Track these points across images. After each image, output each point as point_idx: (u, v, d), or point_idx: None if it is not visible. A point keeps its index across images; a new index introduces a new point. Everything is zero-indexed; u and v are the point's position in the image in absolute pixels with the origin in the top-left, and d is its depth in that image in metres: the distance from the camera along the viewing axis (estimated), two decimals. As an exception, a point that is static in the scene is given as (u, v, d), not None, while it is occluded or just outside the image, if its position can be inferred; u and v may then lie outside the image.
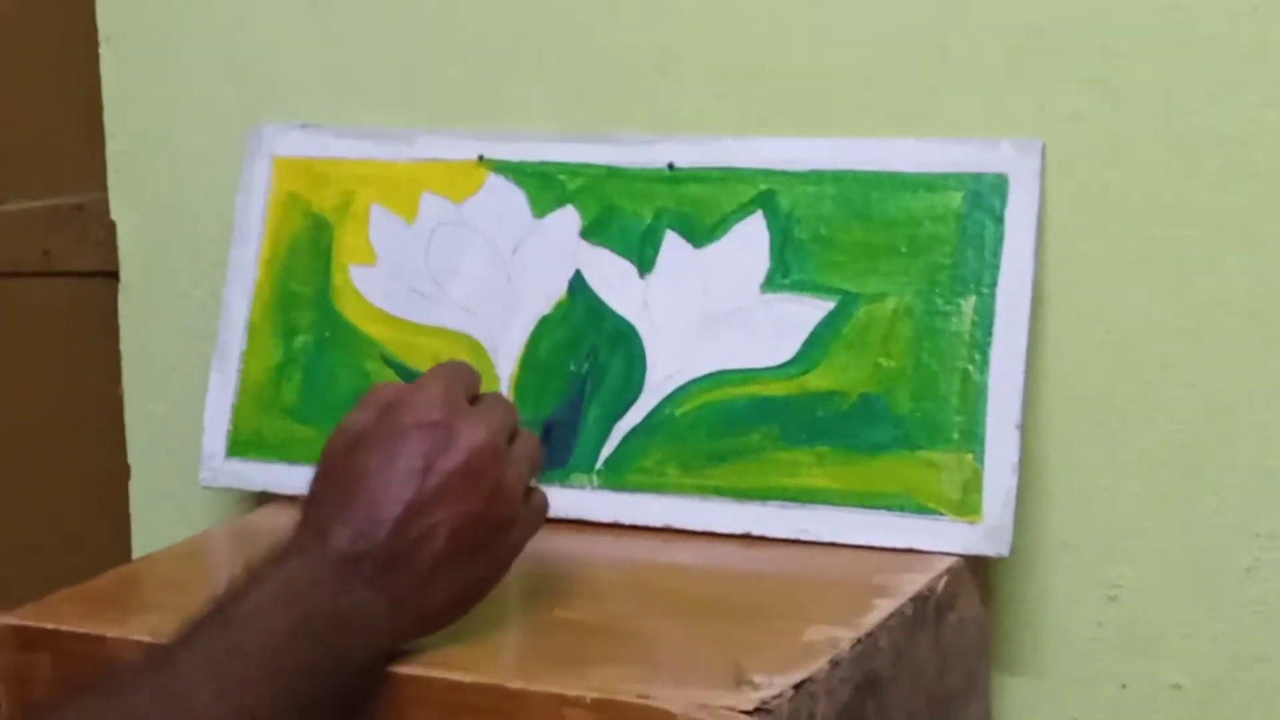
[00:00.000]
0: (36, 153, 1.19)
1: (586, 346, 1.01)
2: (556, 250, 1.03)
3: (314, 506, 0.80)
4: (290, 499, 1.05)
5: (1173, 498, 0.96)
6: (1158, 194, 0.94)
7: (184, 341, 1.17)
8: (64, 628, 0.85)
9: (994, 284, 0.95)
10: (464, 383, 0.83)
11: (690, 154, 1.02)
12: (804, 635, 0.80)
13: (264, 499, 1.08)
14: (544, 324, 1.03)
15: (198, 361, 1.14)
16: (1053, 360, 0.97)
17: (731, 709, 0.72)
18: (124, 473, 1.21)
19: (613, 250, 1.02)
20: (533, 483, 0.84)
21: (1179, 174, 0.94)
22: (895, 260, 0.97)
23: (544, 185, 1.04)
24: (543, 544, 0.85)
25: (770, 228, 0.99)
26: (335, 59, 1.12)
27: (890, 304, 0.96)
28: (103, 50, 1.18)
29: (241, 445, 1.08)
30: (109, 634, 0.84)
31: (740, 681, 0.75)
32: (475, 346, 1.03)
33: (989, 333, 0.94)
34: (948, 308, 0.95)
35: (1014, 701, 0.99)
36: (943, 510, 0.93)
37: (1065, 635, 0.98)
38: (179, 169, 1.17)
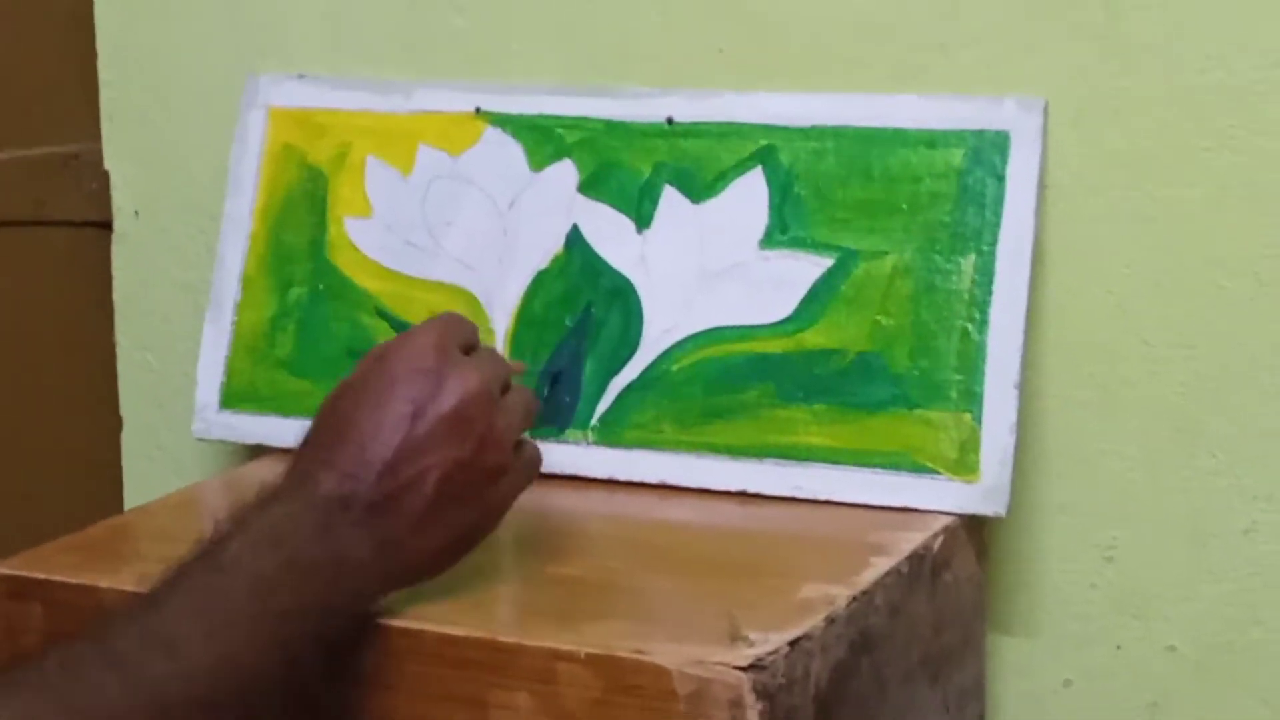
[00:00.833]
0: (30, 102, 1.19)
1: (583, 301, 1.01)
2: (553, 204, 1.03)
3: (302, 453, 0.80)
4: (284, 452, 1.05)
5: (1170, 459, 0.96)
6: (1161, 153, 0.94)
7: (177, 293, 1.17)
8: (56, 577, 0.85)
9: (994, 242, 0.94)
10: (457, 333, 0.82)
11: (690, 109, 1.01)
12: (799, 593, 0.80)
13: (257, 451, 1.08)
14: (540, 278, 1.02)
15: (191, 313, 1.14)
16: (1052, 320, 0.97)
17: (726, 664, 0.72)
18: (116, 423, 1.20)
19: (610, 205, 1.02)
20: (526, 436, 0.83)
21: (1183, 133, 0.93)
22: (895, 217, 0.96)
23: (542, 139, 1.04)
24: (538, 500, 0.85)
25: (769, 183, 0.99)
26: (333, 8, 1.11)
27: (889, 262, 0.96)
28: (97, -1, 1.17)
29: (235, 397, 1.07)
30: (101, 584, 0.84)
31: (735, 638, 0.74)
32: (471, 300, 1.03)
33: (989, 291, 0.94)
34: (947, 266, 0.95)
35: (1009, 661, 0.99)
36: (940, 469, 0.93)
37: (1061, 596, 0.98)
38: (174, 119, 1.16)
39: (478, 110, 1.05)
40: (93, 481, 1.20)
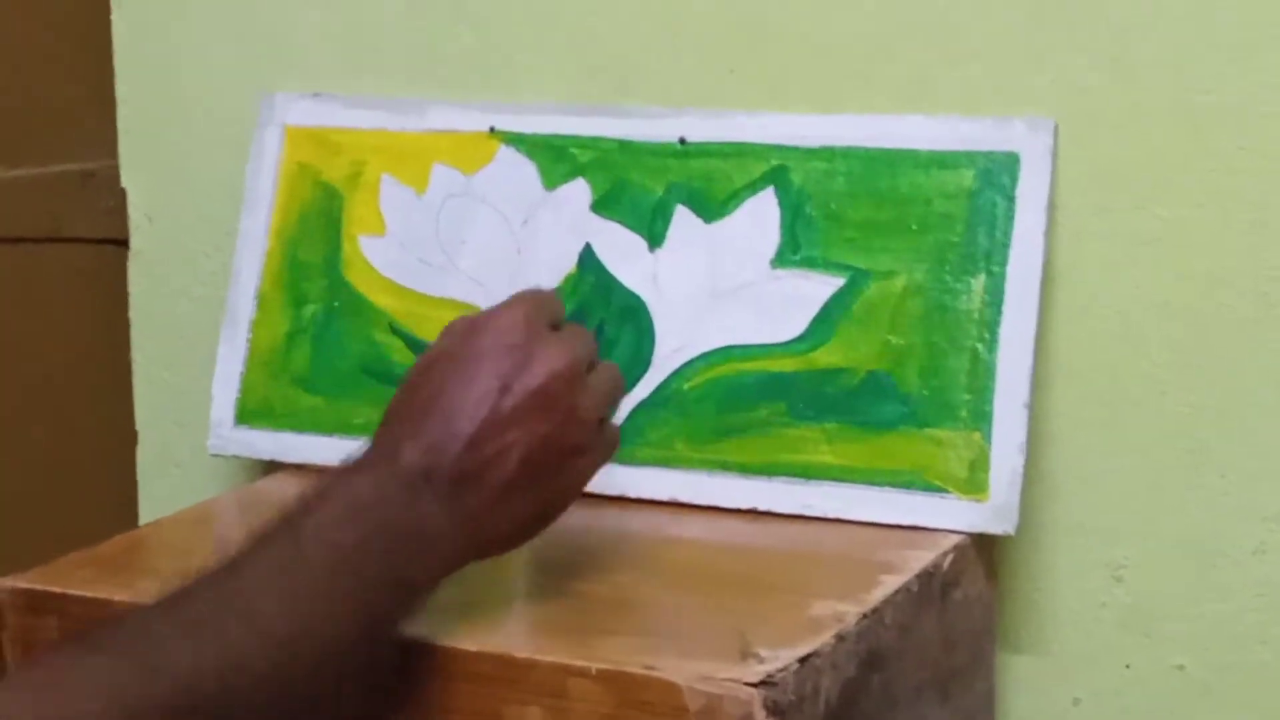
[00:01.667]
0: (48, 120, 1.19)
1: (595, 320, 1.01)
2: (567, 223, 1.03)
3: (388, 423, 0.79)
4: (298, 468, 1.06)
5: (1179, 479, 0.96)
6: (1169, 173, 0.94)
7: (193, 309, 1.18)
8: (71, 591, 0.85)
9: (1004, 263, 0.95)
10: (546, 309, 0.82)
11: (702, 129, 1.02)
12: (810, 610, 0.81)
13: (271, 467, 1.08)
14: (553, 297, 1.03)
15: (207, 330, 1.14)
16: (1062, 340, 0.97)
17: (736, 681, 0.73)
18: (132, 439, 1.21)
19: (623, 224, 1.02)
20: (608, 413, 0.83)
21: (1191, 154, 0.94)
22: (905, 238, 0.97)
23: (555, 158, 1.04)
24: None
25: (781, 203, 0.99)
26: (348, 27, 1.12)
27: (900, 281, 0.96)
28: (114, 17, 1.18)
29: (249, 413, 1.08)
30: (116, 597, 0.84)
31: (745, 654, 0.75)
32: (484, 318, 1.03)
33: (998, 311, 0.94)
34: (957, 286, 0.95)
35: (1018, 679, 1.00)
36: (949, 488, 0.93)
37: (1070, 614, 0.99)
38: (190, 137, 1.17)
39: (492, 129, 1.06)
40: (108, 496, 1.21)
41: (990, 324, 0.94)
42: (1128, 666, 0.98)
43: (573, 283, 1.02)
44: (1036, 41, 0.96)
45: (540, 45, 1.07)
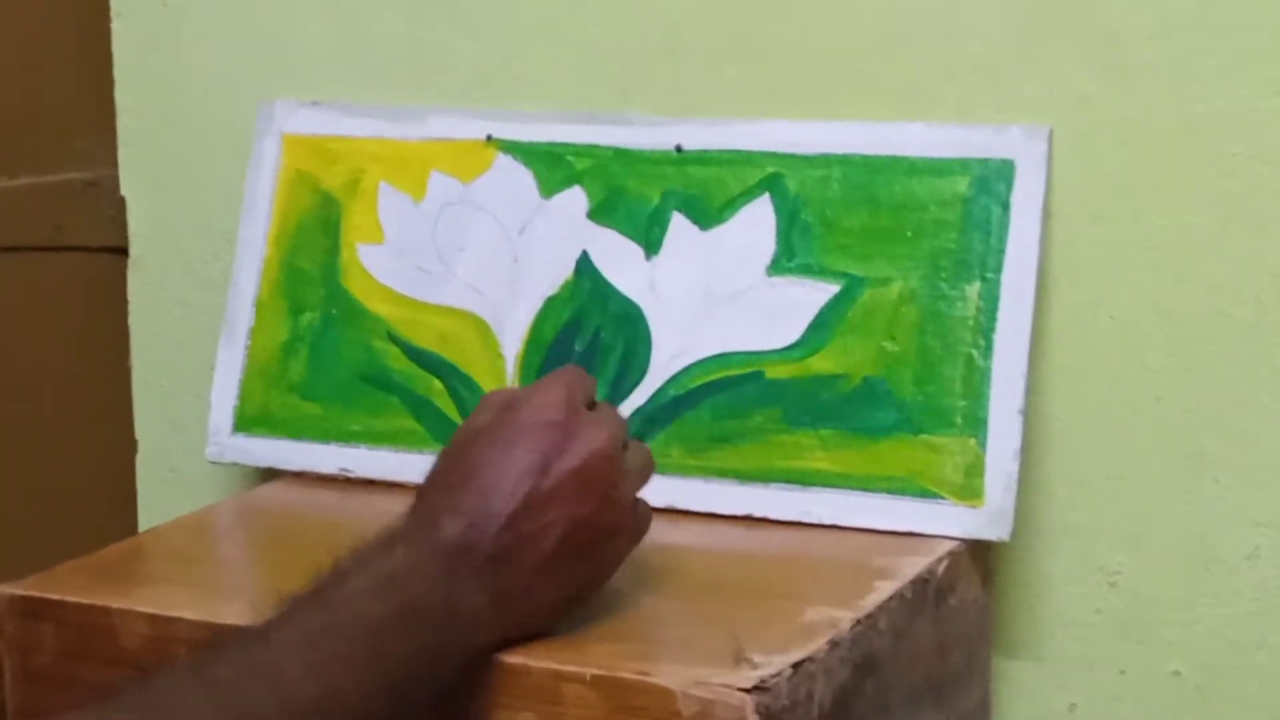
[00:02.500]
0: (49, 129, 1.20)
1: (592, 327, 1.02)
2: (564, 231, 1.04)
3: (427, 495, 0.79)
4: (296, 476, 1.06)
5: (1174, 484, 0.96)
6: (1165, 180, 0.95)
7: (192, 317, 1.18)
8: (69, 598, 0.86)
9: (999, 269, 0.95)
10: (583, 388, 0.82)
11: (698, 136, 1.02)
12: (804, 616, 0.81)
13: (270, 475, 1.08)
14: (550, 304, 1.03)
15: (206, 337, 1.15)
16: (1057, 345, 0.97)
17: (730, 686, 0.73)
18: (131, 446, 1.21)
19: (619, 231, 1.03)
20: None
21: (1186, 159, 0.94)
22: (901, 244, 0.97)
23: (552, 166, 1.05)
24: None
25: (777, 211, 0.99)
26: (346, 37, 1.12)
27: (895, 288, 0.96)
28: (114, 26, 1.19)
29: (248, 421, 1.08)
30: (113, 605, 0.84)
31: (739, 660, 0.75)
32: (481, 325, 1.04)
33: (993, 318, 0.94)
34: (952, 292, 0.95)
35: (1013, 685, 1.00)
36: (944, 494, 0.93)
37: (1065, 620, 0.99)
38: (189, 145, 1.18)
39: (489, 138, 1.06)
40: (107, 503, 1.21)
41: (985, 330, 0.94)
42: (1123, 672, 0.98)
43: (569, 290, 1.03)
44: (1032, 49, 0.96)
45: (537, 54, 1.08)
